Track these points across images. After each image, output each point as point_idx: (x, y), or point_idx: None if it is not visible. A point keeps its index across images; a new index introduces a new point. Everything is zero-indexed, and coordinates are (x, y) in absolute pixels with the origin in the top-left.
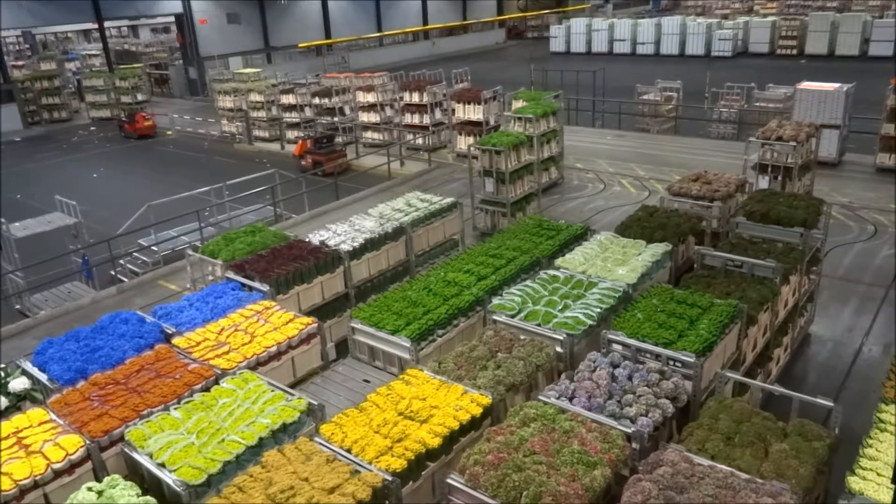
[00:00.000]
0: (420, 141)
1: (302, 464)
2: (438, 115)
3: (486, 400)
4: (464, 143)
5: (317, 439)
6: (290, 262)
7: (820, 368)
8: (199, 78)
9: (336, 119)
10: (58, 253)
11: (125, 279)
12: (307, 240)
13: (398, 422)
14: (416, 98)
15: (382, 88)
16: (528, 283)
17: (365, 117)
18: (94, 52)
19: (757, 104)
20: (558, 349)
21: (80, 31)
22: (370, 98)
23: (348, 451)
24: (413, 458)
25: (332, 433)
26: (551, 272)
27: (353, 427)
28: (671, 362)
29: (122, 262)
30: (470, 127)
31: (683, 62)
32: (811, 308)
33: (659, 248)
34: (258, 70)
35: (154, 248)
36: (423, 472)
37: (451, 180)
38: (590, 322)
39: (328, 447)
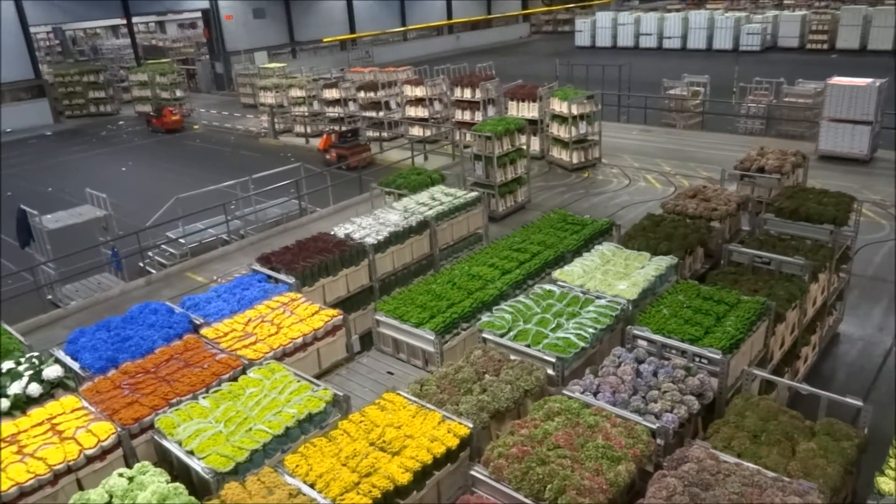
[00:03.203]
0: (470, 138)
1: (263, 498)
2: (491, 112)
3: (465, 430)
4: None
5: (279, 470)
6: (315, 255)
7: (849, 368)
8: (224, 73)
9: (381, 114)
10: (88, 245)
11: (153, 271)
12: (332, 233)
13: (369, 453)
14: (467, 94)
15: (432, 83)
16: (520, 298)
17: (412, 112)
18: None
19: (786, 99)
20: (550, 372)
21: (109, 26)
22: (418, 92)
23: (312, 486)
24: (380, 496)
25: (297, 465)
26: (546, 286)
27: (319, 459)
28: (697, 359)
29: (150, 254)
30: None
31: (711, 56)
32: (840, 307)
33: (664, 262)
34: (283, 65)
35: (181, 240)
36: None
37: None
38: (582, 344)
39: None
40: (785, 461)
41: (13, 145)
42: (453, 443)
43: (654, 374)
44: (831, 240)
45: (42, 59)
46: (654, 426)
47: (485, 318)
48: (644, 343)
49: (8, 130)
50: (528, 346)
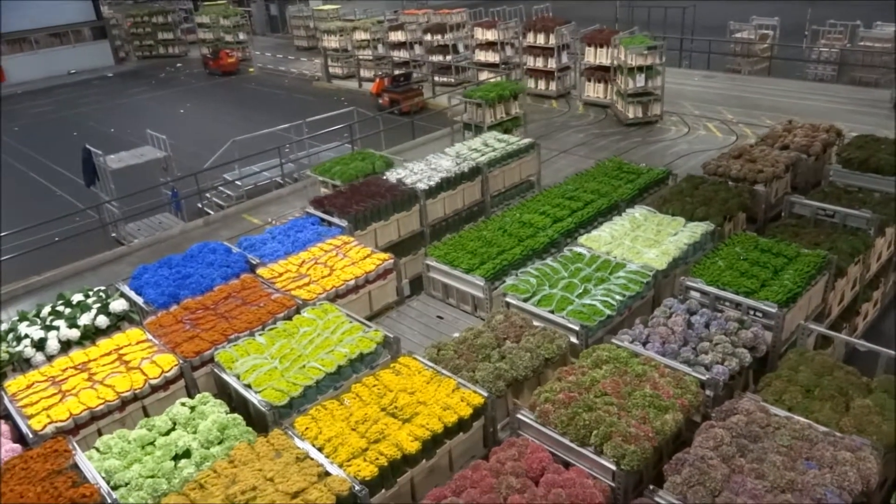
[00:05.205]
0: (542, 86)
1: (270, 460)
2: (565, 58)
3: (479, 399)
4: (592, 90)
5: (289, 433)
6: (367, 199)
7: None
8: (279, 15)
9: (449, 58)
10: (150, 185)
11: (211, 212)
12: (384, 178)
13: (379, 419)
14: (540, 39)
15: (505, 26)
16: (547, 261)
17: (482, 56)
18: None
19: (861, 44)
20: (573, 340)
21: None
22: (489, 36)
23: (320, 449)
24: (386, 464)
25: (307, 427)
26: (576, 249)
27: (329, 422)
28: (751, 312)
29: (207, 195)
30: (601, 73)
31: None
32: None
33: (699, 228)
34: (337, 6)
35: (238, 182)
36: (398, 479)
37: (529, 121)
38: (608, 312)
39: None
40: (838, 417)
41: (77, 86)
42: (466, 412)
43: (707, 325)
44: None
45: (102, 1)
46: (703, 377)
47: (509, 280)
48: (697, 294)
49: (72, 71)
50: (552, 311)
